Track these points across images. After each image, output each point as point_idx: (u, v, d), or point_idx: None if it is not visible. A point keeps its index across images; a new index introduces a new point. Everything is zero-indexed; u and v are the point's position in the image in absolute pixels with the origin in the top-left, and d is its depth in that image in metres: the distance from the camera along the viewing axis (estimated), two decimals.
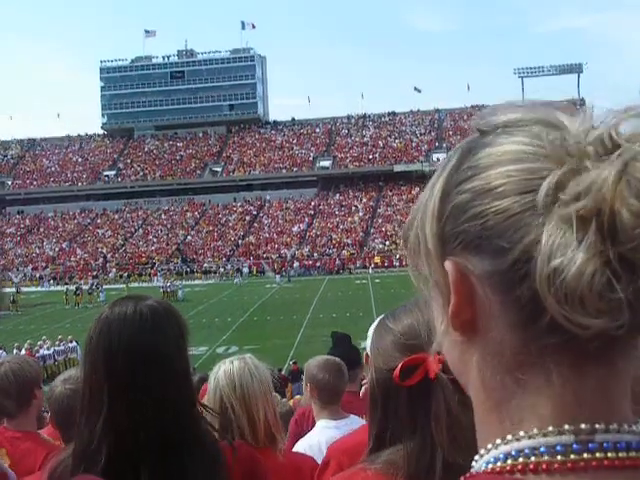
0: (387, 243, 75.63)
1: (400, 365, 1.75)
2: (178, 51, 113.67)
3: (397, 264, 68.64)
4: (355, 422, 4.00)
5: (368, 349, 2.91)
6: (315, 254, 76.25)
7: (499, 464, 0.73)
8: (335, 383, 4.22)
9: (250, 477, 2.19)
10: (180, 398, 1.96)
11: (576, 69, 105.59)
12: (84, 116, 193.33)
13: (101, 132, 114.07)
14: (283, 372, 24.19)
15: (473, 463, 0.78)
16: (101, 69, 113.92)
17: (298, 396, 14.11)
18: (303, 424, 5.02)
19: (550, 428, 0.71)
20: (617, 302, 0.66)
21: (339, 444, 2.77)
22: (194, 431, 1.98)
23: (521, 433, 0.72)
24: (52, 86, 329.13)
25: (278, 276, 66.08)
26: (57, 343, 31.21)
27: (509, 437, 0.73)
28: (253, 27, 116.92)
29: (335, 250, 76.53)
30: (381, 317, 1.98)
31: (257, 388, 2.97)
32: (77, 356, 30.08)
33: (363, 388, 2.94)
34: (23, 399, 3.94)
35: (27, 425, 4.02)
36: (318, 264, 73.36)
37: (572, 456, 0.70)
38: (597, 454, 0.69)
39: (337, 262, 73.02)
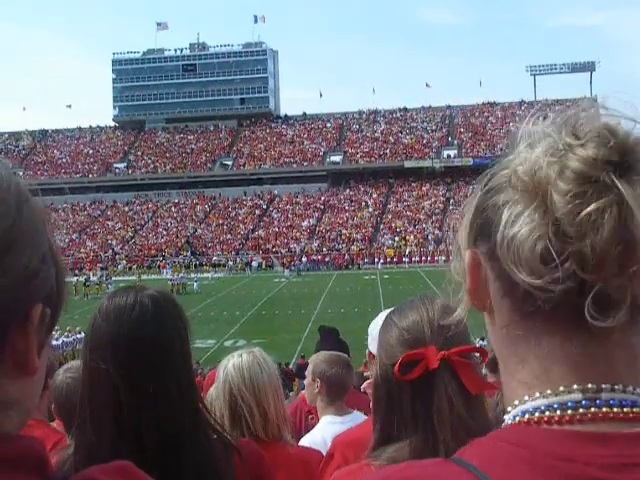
0: (397, 239, 75.54)
1: (400, 360, 1.76)
2: (190, 44, 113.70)
3: (406, 260, 68.58)
4: (359, 418, 3.99)
5: (370, 346, 2.90)
6: (324, 249, 76.22)
7: (518, 419, 0.84)
8: (345, 378, 4.22)
9: (256, 477, 2.17)
10: (181, 390, 1.92)
11: (589, 67, 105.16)
12: (95, 108, 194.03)
13: (112, 124, 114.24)
14: (291, 366, 24.20)
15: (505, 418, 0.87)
16: (113, 61, 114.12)
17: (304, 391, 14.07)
18: (295, 421, 4.97)
19: (561, 388, 0.81)
20: (555, 265, 0.77)
21: (343, 437, 2.77)
22: (196, 425, 1.94)
23: (536, 394, 0.83)
24: (64, 78, 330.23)
25: (287, 270, 66.09)
26: (66, 334, 31.31)
27: (526, 397, 0.84)
28: (264, 21, 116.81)
29: (344, 245, 76.46)
30: (381, 313, 1.97)
31: (267, 381, 2.97)
32: None
33: (366, 382, 2.93)
34: None
35: (38, 415, 4.05)
36: (327, 259, 73.36)
37: (581, 410, 0.79)
38: (604, 409, 0.78)
39: (346, 257, 72.97)
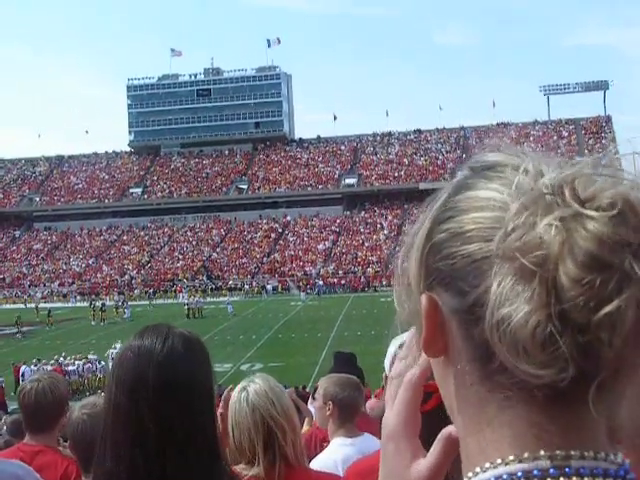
0: None
1: None
2: (204, 69, 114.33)
3: None
4: (369, 440, 3.98)
5: (387, 370, 2.85)
6: (340, 272, 76.18)
7: None
8: (357, 400, 4.20)
9: None
10: (203, 436, 1.91)
11: (602, 86, 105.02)
12: (111, 133, 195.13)
13: (128, 149, 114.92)
14: (307, 390, 24.07)
15: None
16: (128, 87, 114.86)
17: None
18: (311, 449, 4.87)
19: (526, 455, 0.73)
20: (559, 355, 0.68)
21: (355, 466, 2.76)
22: (214, 470, 1.94)
23: (498, 460, 0.74)
24: (80, 103, 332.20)
25: (303, 293, 66.00)
26: (93, 359, 32.49)
27: (487, 465, 0.75)
28: (279, 42, 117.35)
29: (360, 268, 76.41)
30: (399, 337, 1.91)
31: (289, 403, 2.94)
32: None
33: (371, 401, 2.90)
34: (53, 416, 4.00)
35: (50, 441, 4.05)
36: (343, 282, 73.25)
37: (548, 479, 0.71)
38: (574, 478, 0.71)
39: (362, 280, 72.86)
